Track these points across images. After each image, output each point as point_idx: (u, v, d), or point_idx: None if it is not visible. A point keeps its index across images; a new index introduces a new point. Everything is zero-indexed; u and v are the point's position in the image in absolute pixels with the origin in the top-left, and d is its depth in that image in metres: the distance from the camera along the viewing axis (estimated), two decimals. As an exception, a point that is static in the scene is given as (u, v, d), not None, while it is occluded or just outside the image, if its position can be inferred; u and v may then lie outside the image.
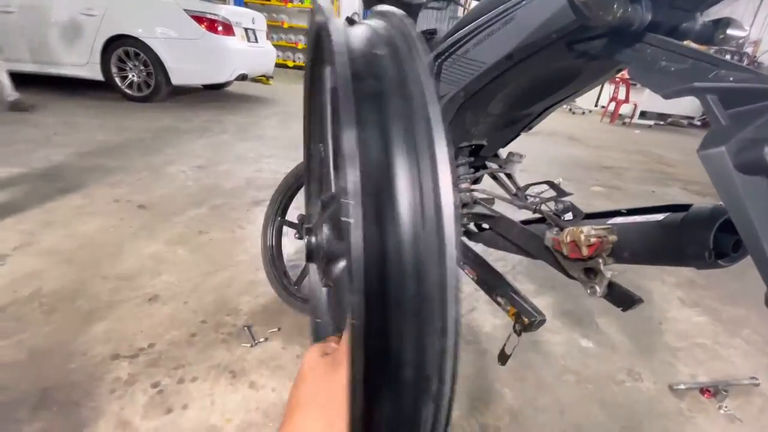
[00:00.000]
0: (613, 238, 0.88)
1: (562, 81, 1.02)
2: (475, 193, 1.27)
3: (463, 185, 1.25)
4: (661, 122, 8.12)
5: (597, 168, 3.99)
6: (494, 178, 1.39)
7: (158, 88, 4.46)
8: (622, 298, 0.89)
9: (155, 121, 3.79)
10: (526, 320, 0.78)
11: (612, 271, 0.91)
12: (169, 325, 1.33)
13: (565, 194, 1.15)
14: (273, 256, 1.55)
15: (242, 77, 4.88)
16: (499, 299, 0.87)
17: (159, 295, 1.47)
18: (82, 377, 1.11)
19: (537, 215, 1.16)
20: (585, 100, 8.75)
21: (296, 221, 1.45)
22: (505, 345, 0.88)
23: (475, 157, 1.29)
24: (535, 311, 0.79)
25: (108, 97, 4.51)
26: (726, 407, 1.21)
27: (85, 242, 1.77)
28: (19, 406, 1.02)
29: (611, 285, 0.91)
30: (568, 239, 0.92)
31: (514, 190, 1.34)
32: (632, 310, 1.61)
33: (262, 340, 1.30)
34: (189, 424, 1.01)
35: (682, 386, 1.26)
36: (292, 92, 6.19)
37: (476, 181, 1.34)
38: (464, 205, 1.28)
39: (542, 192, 1.21)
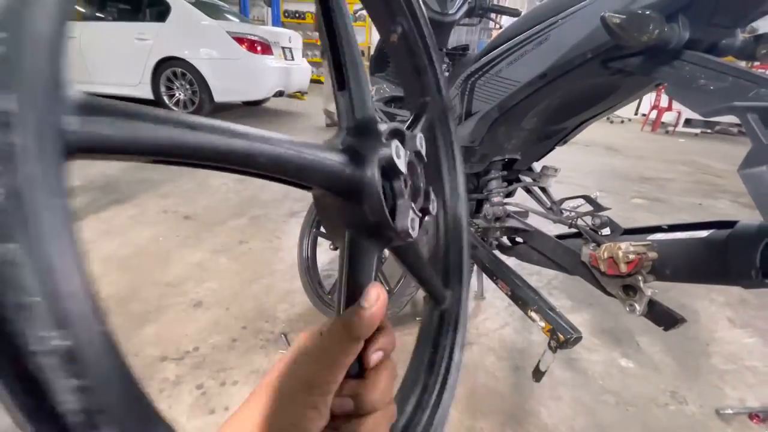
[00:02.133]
0: (653, 255, 0.87)
1: (598, 96, 1.02)
2: (509, 207, 1.28)
3: (496, 199, 1.26)
4: (709, 130, 7.69)
5: (638, 179, 3.83)
6: (528, 191, 1.39)
7: (202, 105, 4.74)
8: (663, 317, 0.87)
9: (199, 136, 4.02)
10: (561, 337, 0.78)
11: (653, 288, 0.89)
12: (212, 330, 1.41)
13: (603, 209, 1.13)
14: (309, 266, 1.61)
15: (279, 93, 5.10)
16: (533, 315, 0.87)
17: (203, 301, 1.56)
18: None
19: (572, 230, 1.15)
20: (624, 109, 8.43)
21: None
22: (539, 362, 0.87)
23: (509, 170, 1.30)
24: (570, 328, 0.78)
25: (157, 114, 4.84)
26: (783, 437, 1.13)
27: (137, 250, 1.90)
28: (81, 400, 1.11)
29: (652, 303, 0.89)
30: (606, 255, 0.91)
31: (548, 204, 1.33)
32: (677, 330, 1.55)
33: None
34: (230, 425, 1.06)
35: (729, 411, 1.19)
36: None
37: (509, 194, 1.34)
38: (497, 219, 1.29)
39: (578, 206, 1.20)
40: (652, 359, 1.42)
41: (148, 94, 4.75)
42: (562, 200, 1.28)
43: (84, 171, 2.85)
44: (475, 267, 1.39)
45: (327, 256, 1.94)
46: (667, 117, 7.16)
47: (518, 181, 1.34)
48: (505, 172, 1.29)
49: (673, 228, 0.95)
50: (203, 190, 2.70)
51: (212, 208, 2.42)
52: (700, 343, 1.52)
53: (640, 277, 0.88)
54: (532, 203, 1.33)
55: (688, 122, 7.36)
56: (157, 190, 2.65)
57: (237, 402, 1.18)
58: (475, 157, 1.19)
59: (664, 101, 6.97)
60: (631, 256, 0.85)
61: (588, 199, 1.12)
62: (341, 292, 0.28)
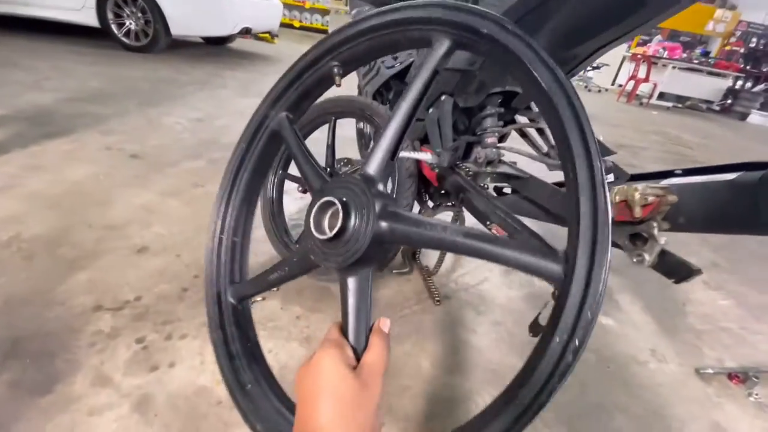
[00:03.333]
0: (672, 198, 0.76)
1: (619, 13, 0.86)
2: (502, 151, 1.14)
3: (490, 139, 1.11)
4: (679, 105, 7.85)
5: (613, 145, 3.81)
6: (523, 135, 1.25)
7: (157, 39, 4.21)
8: (676, 268, 0.77)
9: (152, 72, 3.58)
10: (570, 285, 0.66)
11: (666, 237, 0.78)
12: (158, 279, 1.22)
13: (609, 152, 1.02)
14: (273, 212, 1.43)
15: (245, 31, 4.61)
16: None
17: (148, 246, 1.36)
18: (59, 328, 1.01)
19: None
20: (602, 78, 8.42)
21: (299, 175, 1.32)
22: (539, 314, 0.76)
23: (506, 108, 1.14)
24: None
25: (104, 46, 4.27)
26: (757, 394, 1.12)
27: (71, 189, 1.64)
28: (-12, 354, 0.92)
29: (663, 253, 0.79)
30: (617, 199, 0.79)
31: (545, 148, 1.20)
32: (653, 289, 1.49)
33: (259, 299, 1.20)
34: (175, 383, 0.92)
35: (709, 371, 1.17)
36: (298, 53, 5.89)
37: (502, 138, 1.19)
38: (489, 163, 1.15)
39: (580, 150, 1.07)
40: (631, 318, 1.38)
41: (93, 21, 4.14)
42: (562, 143, 1.16)
43: (12, 100, 2.45)
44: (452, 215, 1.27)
45: (295, 205, 1.76)
46: (643, 88, 7.20)
47: (513, 122, 1.19)
48: (502, 109, 1.13)
49: (689, 172, 0.85)
50: (154, 128, 2.39)
51: (164, 147, 2.14)
52: (676, 303, 1.50)
53: (654, 224, 0.77)
54: (526, 148, 1.20)
55: (661, 96, 7.46)
56: (100, 125, 2.31)
57: (185, 357, 1.04)
58: (472, 86, 1.02)
59: (642, 72, 6.97)
60: (650, 198, 0.74)
61: (593, 140, 1.00)
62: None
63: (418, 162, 1.17)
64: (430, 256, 1.53)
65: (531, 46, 0.42)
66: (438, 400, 0.98)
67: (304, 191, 1.26)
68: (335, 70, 0.64)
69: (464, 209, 1.21)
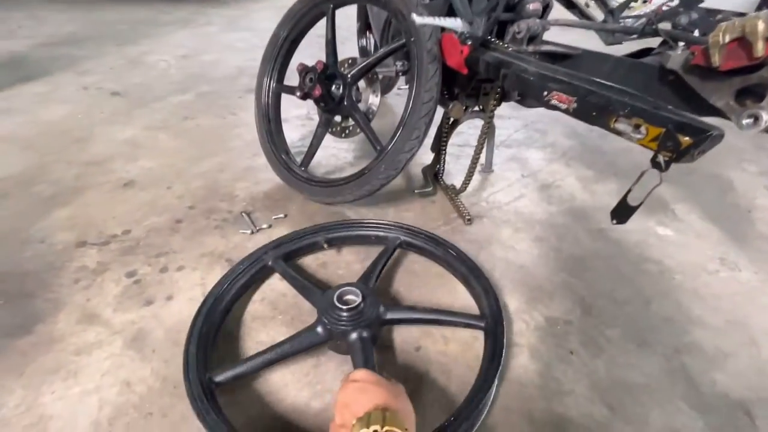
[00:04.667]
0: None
1: None
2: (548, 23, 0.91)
3: (532, 6, 0.88)
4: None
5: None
6: (570, 5, 1.01)
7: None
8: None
9: (131, 14, 3.26)
10: (685, 140, 0.47)
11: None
12: (148, 211, 1.07)
13: (697, 1, 0.79)
14: (271, 131, 1.24)
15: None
16: (623, 125, 0.56)
17: (135, 180, 1.20)
18: (38, 266, 0.88)
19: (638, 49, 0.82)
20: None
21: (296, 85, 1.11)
22: (628, 192, 0.58)
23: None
24: (701, 123, 0.48)
25: (76, -9, 3.90)
26: None
27: (47, 129, 1.46)
28: (-44, 297, 0.79)
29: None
30: (728, 38, 0.58)
31: (602, 16, 0.97)
32: (713, 196, 1.27)
33: (265, 226, 1.04)
34: (175, 317, 0.78)
35: (791, 276, 1.00)
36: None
37: (547, 7, 0.96)
38: (531, 39, 0.92)
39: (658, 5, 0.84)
40: (691, 226, 1.20)
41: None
42: (625, 4, 0.92)
43: (-20, 49, 2.22)
44: (480, 132, 1.06)
45: (297, 132, 1.56)
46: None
47: (557, -12, 0.95)
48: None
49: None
50: (135, 66, 2.15)
51: (148, 84, 1.92)
52: (740, 210, 1.31)
53: (778, 66, 0.57)
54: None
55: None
56: (76, 66, 2.09)
57: (184, 289, 0.88)
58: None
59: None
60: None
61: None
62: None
63: (440, 49, 0.95)
64: (452, 175, 1.34)
65: None
66: (481, 321, 0.83)
67: (303, 97, 1.06)
68: None
69: (493, 118, 1.00)
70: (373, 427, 0.43)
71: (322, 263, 0.96)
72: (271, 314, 0.82)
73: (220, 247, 0.97)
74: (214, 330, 0.74)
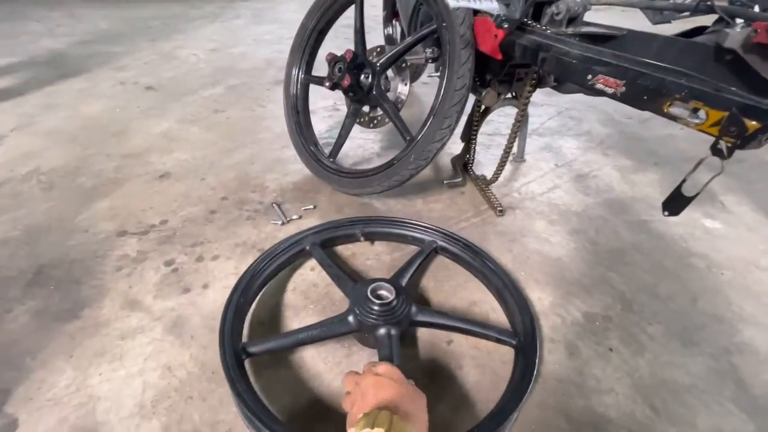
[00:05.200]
0: None
1: None
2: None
3: (573, -16, 0.83)
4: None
5: None
6: (613, -17, 0.95)
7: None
8: None
9: (163, 10, 3.35)
10: (752, 124, 0.44)
11: None
12: (183, 202, 1.10)
13: None
14: (300, 123, 1.24)
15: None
16: (678, 109, 0.52)
17: (171, 172, 1.23)
18: (83, 254, 0.92)
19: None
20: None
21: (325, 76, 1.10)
22: (683, 182, 0.55)
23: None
24: (769, 106, 0.44)
25: (111, -11, 4.04)
26: None
27: (88, 123, 1.52)
28: (11, 284, 0.84)
29: None
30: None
31: (648, -7, 0.90)
32: (765, 189, 1.20)
33: (295, 217, 1.05)
34: (210, 305, 0.80)
35: None
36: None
37: (588, -15, 0.90)
38: (571, 21, 0.88)
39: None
40: (741, 218, 1.12)
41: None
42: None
43: (26, 48, 2.34)
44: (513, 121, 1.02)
45: (324, 123, 1.56)
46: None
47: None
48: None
49: None
50: (168, 60, 2.21)
51: (180, 78, 1.97)
52: (797, 201, 1.21)
53: None
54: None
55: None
56: (112, 63, 2.16)
57: (219, 278, 0.91)
58: None
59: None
60: None
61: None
62: None
63: (473, 33, 0.92)
64: (482, 165, 1.31)
65: None
66: (514, 315, 0.81)
67: (332, 87, 1.05)
68: None
69: (527, 103, 0.96)
70: (377, 429, 0.42)
71: (352, 253, 0.96)
72: (303, 303, 0.83)
73: (252, 237, 0.98)
74: (249, 303, 0.78)
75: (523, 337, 0.72)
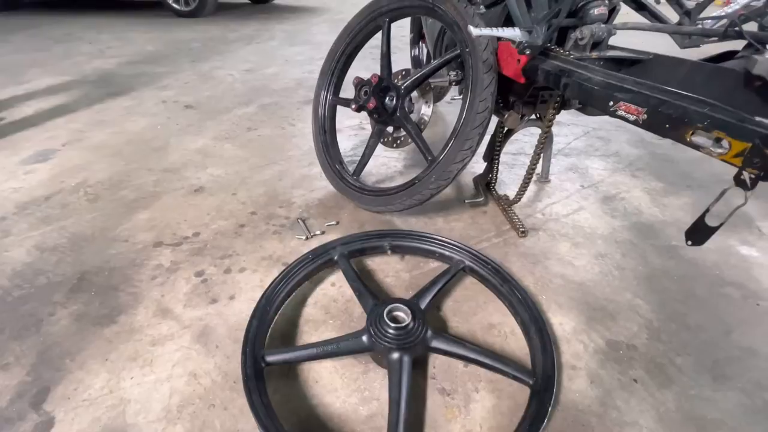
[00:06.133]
0: None
1: None
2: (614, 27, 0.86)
3: (597, 11, 0.84)
4: None
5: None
6: (640, 7, 0.95)
7: (204, 1, 4.19)
8: None
9: (203, 33, 3.56)
10: (775, 154, 0.43)
11: None
12: (215, 216, 1.16)
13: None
14: (326, 143, 1.29)
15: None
16: (701, 138, 0.51)
17: (205, 186, 1.30)
18: (122, 263, 0.98)
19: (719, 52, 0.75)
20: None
21: (351, 98, 1.14)
22: (707, 210, 0.54)
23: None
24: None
25: (158, 15, 4.36)
26: None
27: (132, 138, 1.64)
28: (56, 288, 0.91)
29: None
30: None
31: (675, 17, 0.90)
32: None
33: (318, 232, 1.09)
34: (236, 316, 0.84)
35: None
36: (344, 1, 5.59)
37: (613, 11, 0.91)
38: (595, 46, 0.88)
39: (738, 6, 0.78)
40: (782, 247, 1.07)
41: (144, -10, 4.20)
42: (704, 4, 0.85)
43: (79, 68, 2.54)
44: (536, 144, 1.02)
45: (350, 142, 1.61)
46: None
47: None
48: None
49: None
50: (206, 80, 2.34)
51: (216, 97, 2.09)
52: None
53: None
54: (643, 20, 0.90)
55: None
56: (156, 82, 2.32)
57: (245, 290, 0.95)
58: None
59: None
60: None
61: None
62: None
63: (496, 58, 0.94)
64: (506, 185, 1.31)
65: None
66: (534, 339, 0.80)
67: (358, 109, 1.09)
68: None
69: (551, 125, 0.97)
70: None
71: (372, 268, 0.98)
72: (323, 318, 0.85)
73: (278, 251, 1.02)
74: (272, 315, 0.81)
75: (541, 379, 0.68)
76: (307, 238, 1.06)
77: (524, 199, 1.19)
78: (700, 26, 0.81)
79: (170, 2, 4.28)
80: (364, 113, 1.16)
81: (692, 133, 0.51)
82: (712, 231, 0.52)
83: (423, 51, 1.86)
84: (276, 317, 0.83)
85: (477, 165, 1.28)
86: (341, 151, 1.34)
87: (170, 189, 1.29)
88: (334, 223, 1.13)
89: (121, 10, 4.65)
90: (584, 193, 1.28)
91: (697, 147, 0.52)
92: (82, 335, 0.80)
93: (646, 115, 0.57)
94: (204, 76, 2.42)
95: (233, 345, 0.77)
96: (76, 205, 1.20)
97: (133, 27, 3.82)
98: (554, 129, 1.17)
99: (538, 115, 1.11)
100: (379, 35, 1.18)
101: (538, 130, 1.05)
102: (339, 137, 1.36)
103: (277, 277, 0.86)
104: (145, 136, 1.66)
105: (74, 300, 0.87)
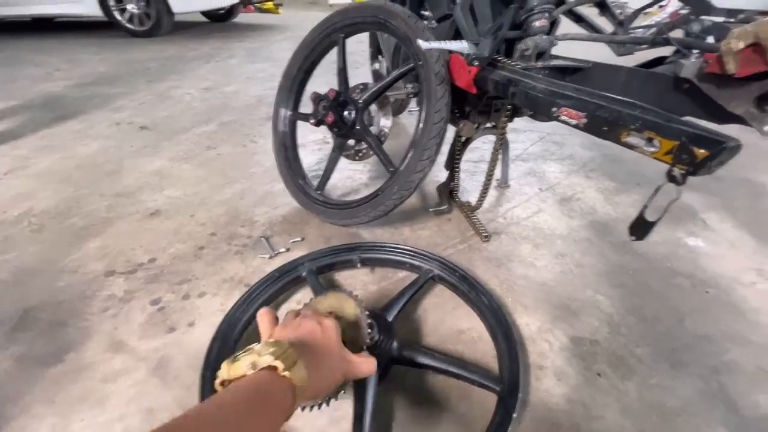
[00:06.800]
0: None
1: None
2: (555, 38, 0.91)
3: (539, 23, 0.88)
4: (731, 20, 6.94)
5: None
6: (578, 19, 1.01)
7: (160, 20, 4.08)
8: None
9: (159, 52, 3.48)
10: (700, 152, 0.46)
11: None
12: (172, 239, 1.11)
13: (707, 7, 0.77)
14: (288, 158, 1.27)
15: (247, 2, 4.40)
16: (634, 139, 0.55)
17: (161, 209, 1.25)
18: (70, 296, 0.92)
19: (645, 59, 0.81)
20: None
21: (310, 113, 1.14)
22: (644, 208, 0.57)
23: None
24: (716, 134, 0.46)
25: (111, 36, 4.22)
26: None
27: (82, 163, 1.56)
28: (-4, 328, 0.84)
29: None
30: (741, 45, 0.57)
31: (611, 28, 0.96)
32: (745, 204, 1.24)
33: (283, 250, 1.06)
34: (195, 344, 0.80)
35: (841, 287, 0.93)
36: (304, 19, 5.62)
37: (554, 23, 0.96)
38: (539, 56, 0.92)
39: (665, 16, 0.84)
40: (724, 236, 1.14)
41: (96, 11, 4.04)
42: (636, 13, 0.91)
43: (24, 92, 2.40)
44: (500, 155, 1.05)
45: (314, 156, 1.60)
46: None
47: (563, 2, 0.95)
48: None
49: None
50: (162, 100, 2.28)
51: (174, 117, 2.03)
52: (777, 217, 1.24)
53: (800, 68, 0.54)
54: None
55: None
56: (109, 104, 2.23)
57: (205, 315, 0.91)
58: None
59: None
60: (801, 26, 0.51)
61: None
62: None
63: (448, 70, 0.96)
64: (469, 192, 1.34)
65: None
66: (502, 342, 0.81)
67: (317, 124, 1.09)
68: None
69: (504, 133, 1.00)
70: (264, 357, 0.39)
71: (341, 282, 0.97)
72: (290, 339, 0.82)
73: (240, 272, 0.99)
74: (240, 331, 0.80)
75: (507, 385, 0.68)
76: (270, 257, 1.04)
77: (486, 204, 1.21)
78: (632, 35, 0.86)
79: (124, 22, 4.14)
80: (326, 128, 1.16)
81: (627, 135, 0.54)
82: (651, 226, 0.55)
83: (383, 65, 1.89)
84: (241, 339, 0.80)
85: (441, 174, 1.30)
86: (306, 166, 1.32)
87: (124, 214, 1.23)
88: (299, 239, 1.11)
89: (71, 30, 4.47)
90: (542, 195, 1.33)
91: (632, 147, 0.55)
92: (24, 378, 0.73)
93: (585, 119, 0.60)
94: (161, 96, 2.35)
95: (194, 374, 0.73)
96: (20, 237, 1.12)
97: (84, 48, 3.67)
98: (512, 136, 1.21)
99: (493, 124, 1.14)
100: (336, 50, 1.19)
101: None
102: (303, 152, 1.35)
103: (240, 298, 0.84)
104: (97, 160, 1.59)
105: (15, 341, 0.81)
